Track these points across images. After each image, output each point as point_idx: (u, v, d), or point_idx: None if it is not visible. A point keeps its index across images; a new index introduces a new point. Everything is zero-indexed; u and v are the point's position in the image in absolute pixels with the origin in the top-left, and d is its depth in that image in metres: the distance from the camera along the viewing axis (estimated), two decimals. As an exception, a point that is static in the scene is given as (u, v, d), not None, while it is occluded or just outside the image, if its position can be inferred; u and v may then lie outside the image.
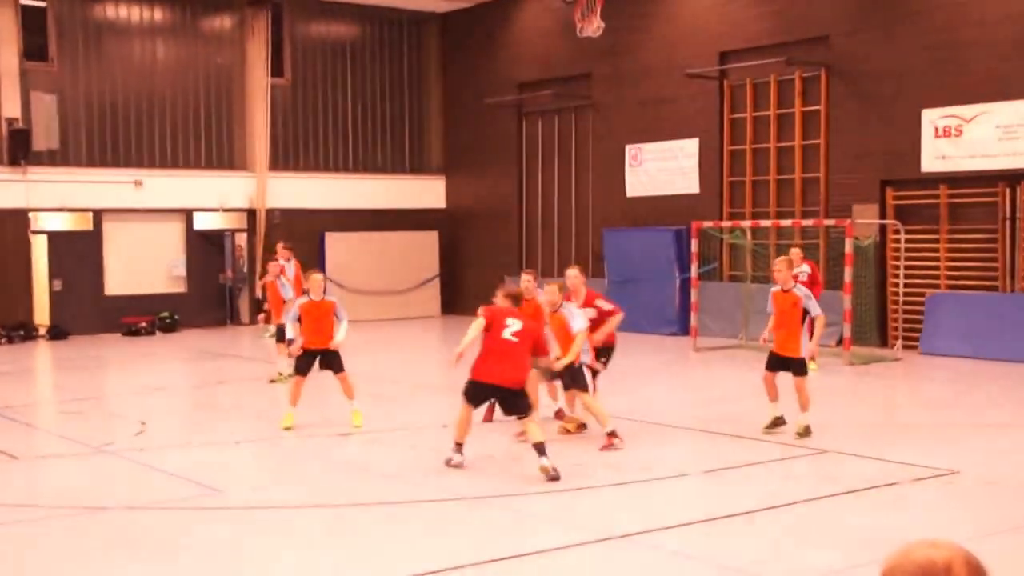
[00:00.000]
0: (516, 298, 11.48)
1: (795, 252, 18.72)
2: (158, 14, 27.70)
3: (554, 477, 10.36)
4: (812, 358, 14.21)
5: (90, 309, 26.23)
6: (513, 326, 10.87)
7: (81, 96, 26.43)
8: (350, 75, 30.27)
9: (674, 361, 20.78)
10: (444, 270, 30.88)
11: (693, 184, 25.00)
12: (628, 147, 26.36)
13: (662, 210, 25.40)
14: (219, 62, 28.33)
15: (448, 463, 11.05)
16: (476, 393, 10.97)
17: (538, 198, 29.05)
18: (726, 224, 23.21)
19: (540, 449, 10.53)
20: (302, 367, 13.47)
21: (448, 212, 31.51)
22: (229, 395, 17.41)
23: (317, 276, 13.75)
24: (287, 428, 13.32)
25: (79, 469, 11.64)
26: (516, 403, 10.84)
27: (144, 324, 26.45)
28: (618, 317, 13.03)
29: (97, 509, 9.83)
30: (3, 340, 24.77)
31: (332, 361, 13.50)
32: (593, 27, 22.67)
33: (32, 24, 25.92)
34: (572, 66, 27.54)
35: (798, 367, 12.58)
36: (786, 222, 21.82)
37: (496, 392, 10.95)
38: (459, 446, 11.10)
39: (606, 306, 12.98)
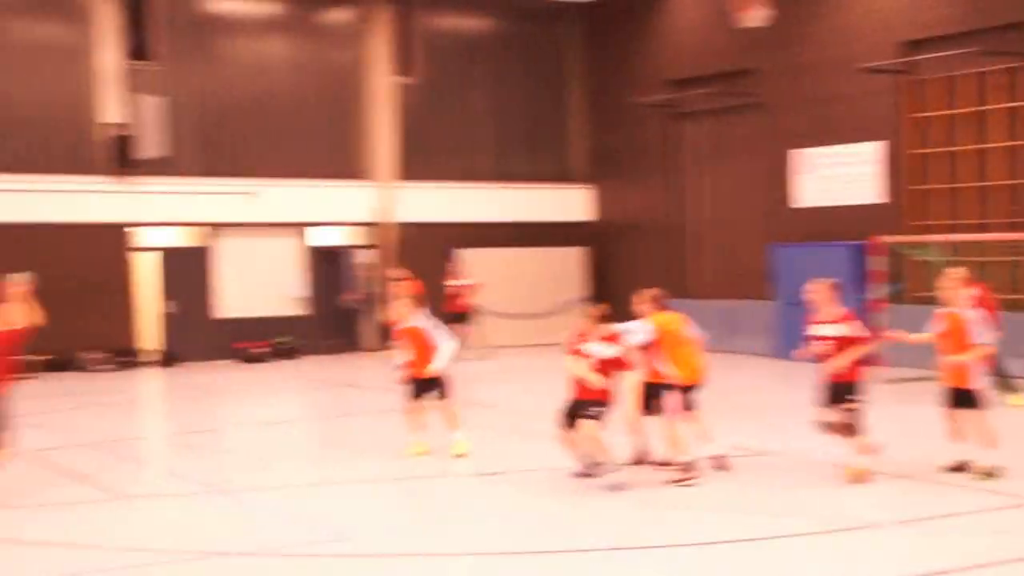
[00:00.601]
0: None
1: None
2: (271, 8, 28.28)
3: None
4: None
5: (199, 333, 26.70)
6: None
7: (189, 99, 26.95)
8: (484, 74, 30.39)
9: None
10: (593, 290, 30.63)
11: (870, 193, 24.42)
12: (796, 151, 25.89)
13: (835, 222, 24.86)
14: (339, 60, 28.64)
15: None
16: None
17: (694, 209, 28.75)
18: (913, 239, 22.56)
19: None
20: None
21: (596, 225, 31.35)
22: (355, 429, 17.49)
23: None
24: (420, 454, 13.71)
25: (192, 510, 11.78)
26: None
27: (260, 350, 26.81)
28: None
29: (211, 554, 9.90)
30: (107, 367, 25.31)
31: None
32: (757, 16, 22.34)
33: (136, 21, 26.49)
34: (732, 61, 27.19)
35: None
36: (986, 236, 21.09)
37: None
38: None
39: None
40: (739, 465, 12.98)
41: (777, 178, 26.32)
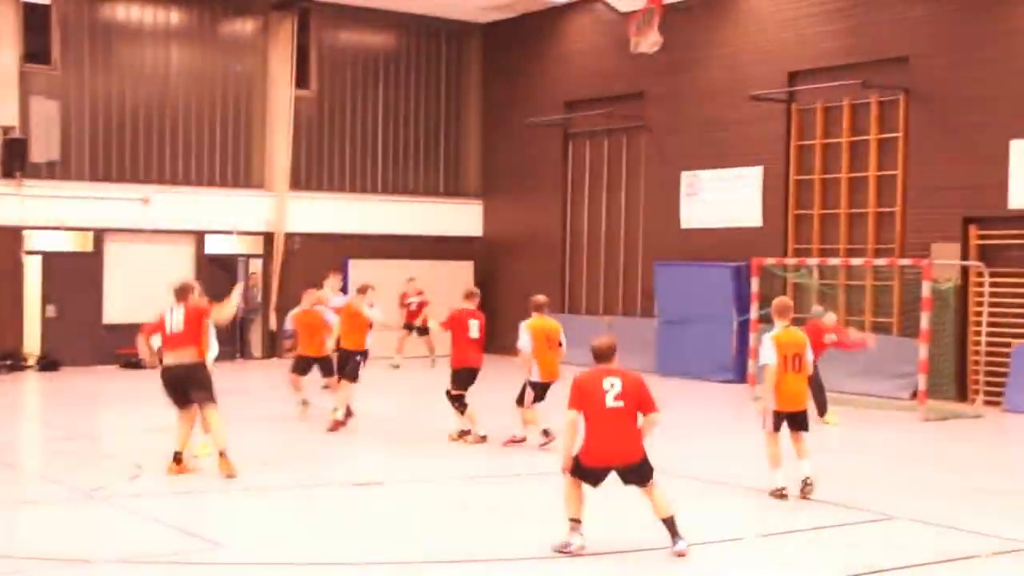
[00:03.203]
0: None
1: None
2: (173, 17, 27.93)
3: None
4: None
5: (86, 338, 26.28)
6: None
7: (86, 103, 26.60)
8: (382, 89, 30.42)
9: (730, 412, 20.54)
10: (480, 304, 30.69)
11: (755, 216, 24.85)
12: (684, 174, 26.25)
13: (720, 244, 25.25)
14: (238, 71, 28.51)
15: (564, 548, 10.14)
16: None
17: (584, 228, 28.98)
18: (791, 261, 23.03)
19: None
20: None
21: (485, 241, 31.51)
22: (236, 437, 17.31)
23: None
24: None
25: (64, 517, 11.59)
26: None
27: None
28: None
29: (80, 562, 9.76)
30: (-7, 371, 24.92)
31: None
32: (650, 42, 22.64)
33: (34, 24, 26.08)
34: (625, 84, 27.51)
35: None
36: (857, 261, 21.63)
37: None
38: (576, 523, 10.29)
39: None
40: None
41: (666, 199, 26.64)
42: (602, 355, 10.36)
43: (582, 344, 12.42)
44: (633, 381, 10.26)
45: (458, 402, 16.01)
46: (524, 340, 15.31)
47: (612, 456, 10.10)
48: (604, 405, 10.05)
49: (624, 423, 10.12)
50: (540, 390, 15.43)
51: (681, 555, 9.91)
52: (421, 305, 24.71)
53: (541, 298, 15.98)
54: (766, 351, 12.41)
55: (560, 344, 15.53)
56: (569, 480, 10.18)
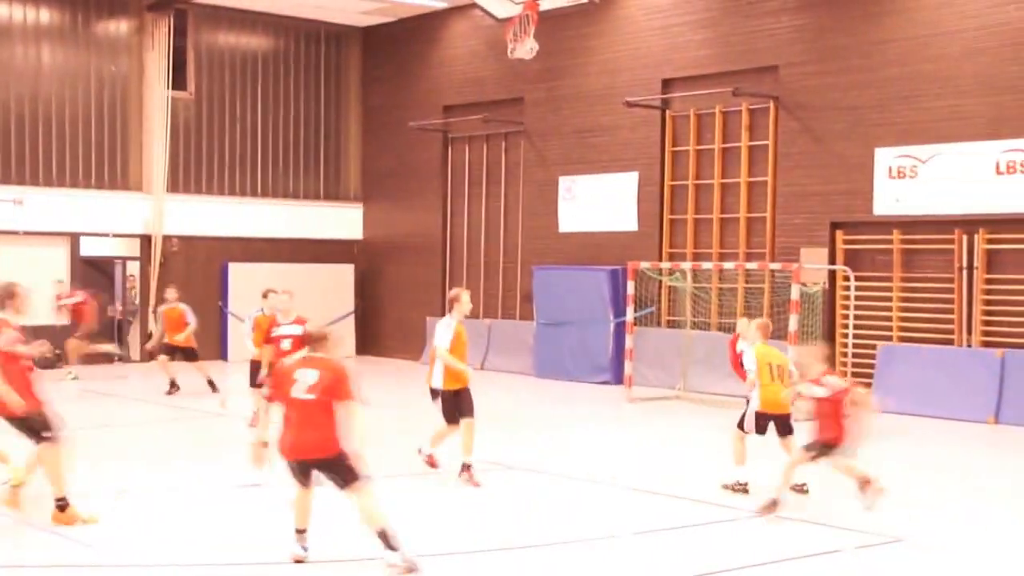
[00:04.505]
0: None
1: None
2: (44, 15, 27.39)
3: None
4: None
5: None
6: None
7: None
8: (260, 91, 30.26)
9: (605, 412, 20.83)
10: (360, 307, 30.86)
11: (631, 221, 25.24)
12: (562, 178, 26.58)
13: (597, 248, 25.62)
14: (113, 71, 28.12)
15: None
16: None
17: (464, 231, 29.15)
18: (665, 265, 23.47)
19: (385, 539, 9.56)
20: None
21: (365, 244, 31.53)
22: (112, 440, 17.18)
23: None
24: None
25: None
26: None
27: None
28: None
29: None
30: None
31: None
32: (526, 48, 22.84)
33: None
34: (503, 89, 27.77)
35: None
36: (729, 264, 22.14)
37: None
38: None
39: None
40: (488, 478, 13.32)
41: (544, 203, 26.94)
42: (310, 343, 10.15)
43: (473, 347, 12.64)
44: (332, 372, 9.73)
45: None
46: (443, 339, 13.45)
47: (298, 448, 9.66)
48: (291, 395, 9.70)
49: (313, 415, 9.61)
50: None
51: (393, 567, 9.40)
52: (78, 307, 24.06)
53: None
54: (748, 361, 13.19)
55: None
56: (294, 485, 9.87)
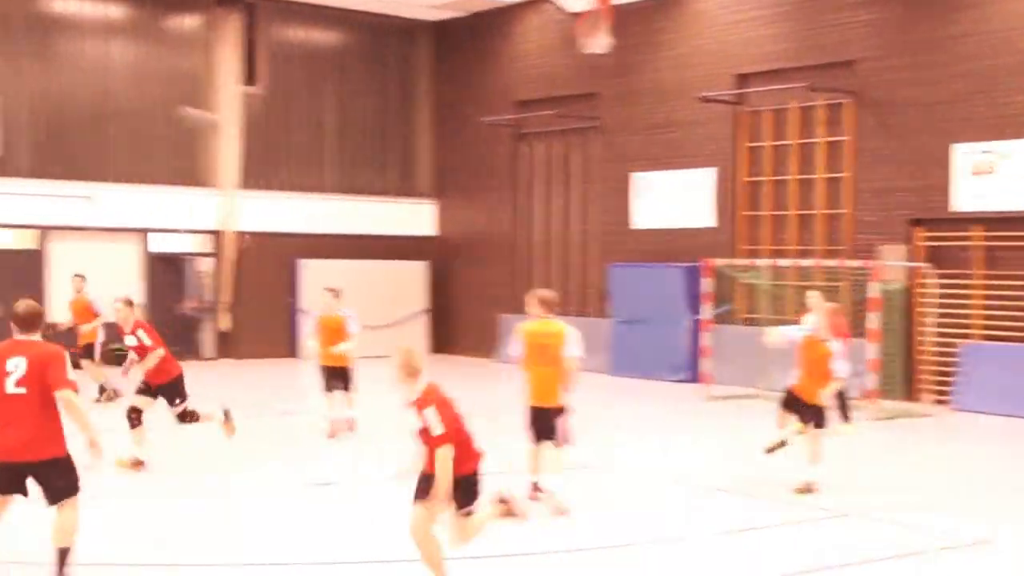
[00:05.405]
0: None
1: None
2: (116, 11, 27.91)
3: None
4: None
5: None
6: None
7: (26, 99, 26.46)
8: (330, 86, 30.51)
9: (682, 411, 20.92)
10: (434, 304, 31.12)
11: (706, 217, 25.30)
12: (635, 175, 26.66)
13: (672, 245, 25.67)
14: (185, 66, 28.48)
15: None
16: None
17: (537, 228, 29.31)
18: (742, 262, 23.49)
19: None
20: None
21: (439, 240, 31.75)
22: (194, 438, 17.44)
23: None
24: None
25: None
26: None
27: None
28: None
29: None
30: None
31: None
32: (600, 43, 22.91)
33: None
34: (576, 84, 27.87)
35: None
36: (807, 262, 22.10)
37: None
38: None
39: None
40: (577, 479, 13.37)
41: (617, 199, 27.04)
42: (21, 323, 8.88)
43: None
44: (43, 359, 8.63)
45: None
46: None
47: (7, 450, 8.53)
48: (3, 390, 8.54)
49: (23, 411, 8.50)
50: None
51: None
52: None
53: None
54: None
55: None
56: None
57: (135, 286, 27.51)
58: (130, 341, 14.44)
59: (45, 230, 26.85)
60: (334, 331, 16.71)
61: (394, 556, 9.84)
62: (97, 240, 27.41)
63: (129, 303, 14.80)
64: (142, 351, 14.35)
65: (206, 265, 29.23)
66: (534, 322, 12.20)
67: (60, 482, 8.66)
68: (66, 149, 27.02)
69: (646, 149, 26.43)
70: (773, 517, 11.97)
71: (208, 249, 29.04)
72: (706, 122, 25.18)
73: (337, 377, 16.69)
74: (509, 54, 29.79)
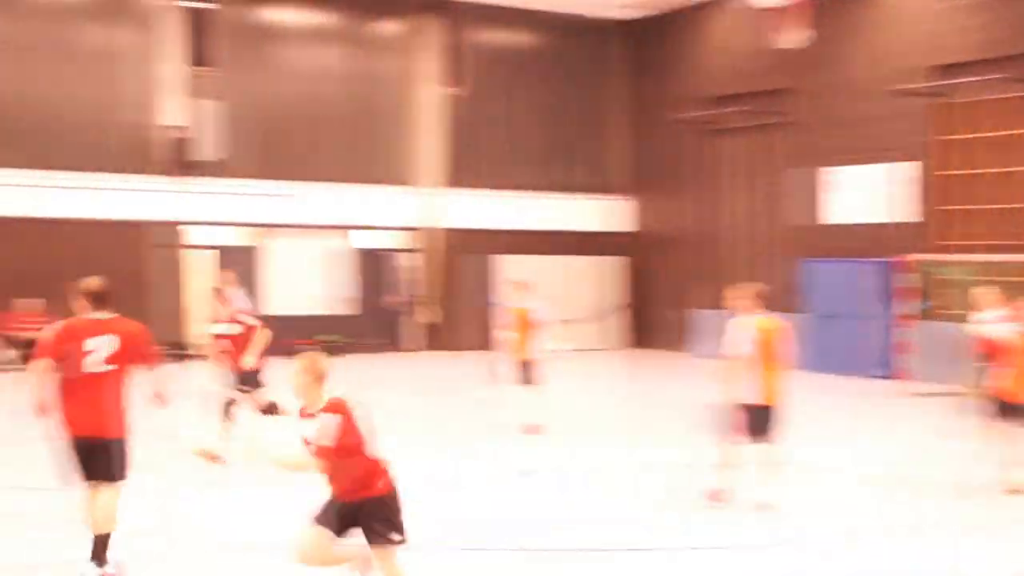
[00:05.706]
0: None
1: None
2: (325, 19, 29.33)
3: None
4: None
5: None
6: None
7: (245, 104, 27.86)
8: (529, 86, 31.25)
9: (881, 407, 20.70)
10: (635, 300, 31.72)
11: (898, 212, 25.18)
12: (826, 169, 26.68)
13: (866, 239, 25.60)
14: (389, 70, 29.59)
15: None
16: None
17: (726, 223, 29.56)
18: (941, 257, 23.35)
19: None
20: None
21: (635, 236, 32.21)
22: (409, 424, 18.01)
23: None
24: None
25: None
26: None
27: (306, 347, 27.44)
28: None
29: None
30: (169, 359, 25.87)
31: None
32: (795, 37, 22.90)
33: (199, 28, 27.55)
34: (768, 80, 27.95)
35: None
36: (1015, 257, 21.82)
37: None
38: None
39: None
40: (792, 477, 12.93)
41: (809, 195, 27.10)
42: (95, 300, 8.81)
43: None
44: (135, 336, 8.85)
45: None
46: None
47: (88, 426, 8.66)
48: (82, 369, 8.61)
49: (107, 388, 8.67)
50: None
51: None
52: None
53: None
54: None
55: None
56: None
57: (341, 280, 28.69)
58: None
59: (260, 227, 28.24)
60: (522, 324, 16.89)
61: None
62: (307, 236, 28.77)
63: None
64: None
65: (406, 260, 30.22)
66: (762, 318, 11.74)
67: (119, 463, 8.71)
68: (281, 150, 28.33)
69: (837, 143, 26.34)
70: (980, 515, 11.84)
71: (409, 245, 30.04)
72: (900, 116, 24.96)
73: (525, 370, 16.88)
74: (701, 50, 30.05)
